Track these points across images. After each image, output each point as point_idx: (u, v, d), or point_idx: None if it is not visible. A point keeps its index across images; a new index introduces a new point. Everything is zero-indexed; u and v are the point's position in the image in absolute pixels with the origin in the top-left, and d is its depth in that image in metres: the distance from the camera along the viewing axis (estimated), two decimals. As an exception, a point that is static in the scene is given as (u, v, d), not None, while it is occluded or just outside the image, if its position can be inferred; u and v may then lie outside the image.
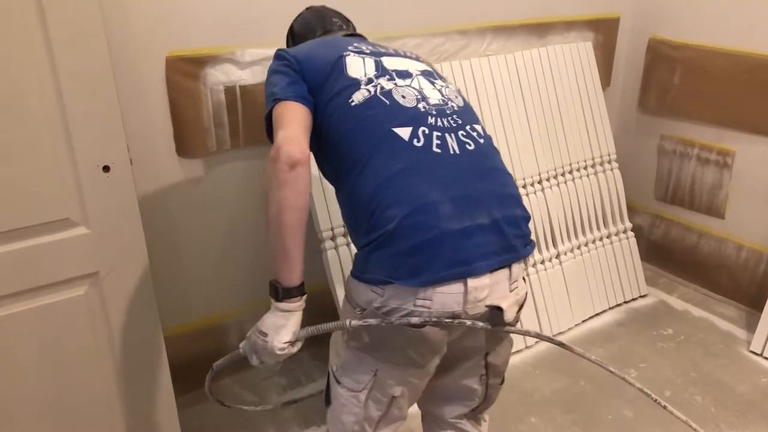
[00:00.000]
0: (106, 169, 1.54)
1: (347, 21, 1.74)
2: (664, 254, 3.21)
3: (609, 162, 2.89)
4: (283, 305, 1.26)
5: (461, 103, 1.41)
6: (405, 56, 1.49)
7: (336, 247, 2.18)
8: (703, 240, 3.02)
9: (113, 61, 1.54)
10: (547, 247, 2.68)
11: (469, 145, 1.31)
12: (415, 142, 1.26)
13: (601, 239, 2.87)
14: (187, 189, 2.16)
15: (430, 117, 1.30)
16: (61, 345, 1.61)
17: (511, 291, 1.29)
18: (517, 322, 1.34)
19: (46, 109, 1.44)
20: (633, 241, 2.97)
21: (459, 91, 1.48)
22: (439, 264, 1.20)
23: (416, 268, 1.20)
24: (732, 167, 2.83)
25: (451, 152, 1.28)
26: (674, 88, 2.97)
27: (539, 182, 2.66)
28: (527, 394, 2.32)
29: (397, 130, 1.27)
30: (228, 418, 2.23)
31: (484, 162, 1.33)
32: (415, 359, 1.30)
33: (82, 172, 1.52)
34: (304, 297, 1.29)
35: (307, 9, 1.77)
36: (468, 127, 1.34)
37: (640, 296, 2.98)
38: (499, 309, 1.26)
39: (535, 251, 2.63)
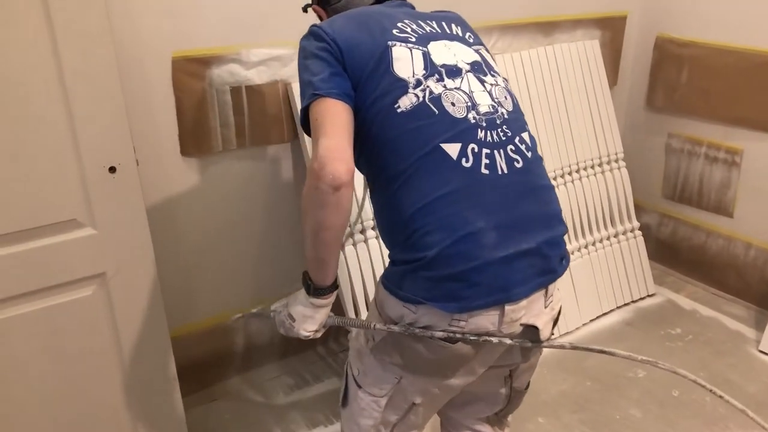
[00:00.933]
0: (112, 170, 1.54)
1: None
2: (671, 253, 3.19)
3: (616, 161, 2.88)
4: (314, 300, 1.27)
5: (510, 107, 1.30)
6: (452, 36, 1.35)
7: (343, 247, 2.18)
8: (711, 239, 3.01)
9: (119, 61, 1.54)
10: (554, 247, 2.67)
11: (518, 162, 1.24)
12: (463, 162, 1.18)
13: (608, 238, 2.85)
14: (193, 189, 2.16)
15: (480, 130, 1.21)
16: (67, 345, 1.62)
17: (546, 307, 1.26)
18: (551, 336, 1.32)
19: (51, 110, 1.45)
20: (640, 240, 2.95)
21: (507, 85, 1.36)
22: (477, 293, 1.16)
23: (453, 295, 1.17)
24: (740, 165, 2.81)
25: (500, 172, 1.21)
26: (682, 86, 2.95)
27: (546, 181, 2.64)
28: (534, 393, 2.31)
29: (445, 146, 1.18)
30: (235, 418, 2.23)
31: (531, 180, 1.26)
32: (442, 371, 1.29)
33: (89, 173, 1.52)
34: (336, 292, 1.29)
35: None
36: (517, 140, 1.26)
37: (648, 295, 2.97)
38: (535, 327, 1.24)
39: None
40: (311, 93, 1.20)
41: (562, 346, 1.31)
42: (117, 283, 1.64)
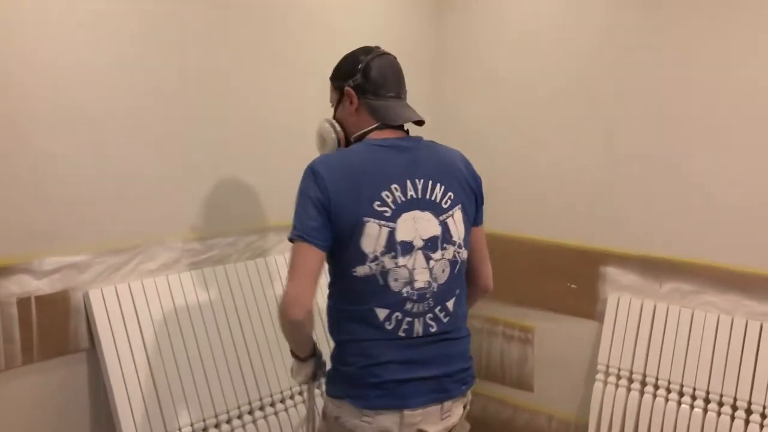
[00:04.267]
0: None
1: (403, 85, 1.75)
2: (481, 429, 3.27)
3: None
4: (294, 361, 1.78)
5: (444, 279, 1.64)
6: (427, 204, 1.62)
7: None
8: (518, 413, 3.15)
9: None
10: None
11: (432, 327, 1.63)
12: (386, 324, 1.59)
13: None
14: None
15: (408, 302, 1.59)
16: None
17: (442, 419, 1.63)
18: None
19: None
20: (453, 420, 3.00)
21: (455, 251, 1.66)
22: (379, 396, 1.57)
23: (362, 395, 1.58)
24: (533, 342, 3.04)
25: (414, 335, 1.61)
26: (477, 270, 3.18)
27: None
28: None
29: (377, 309, 1.58)
30: None
31: (440, 338, 1.64)
32: None
33: None
34: (311, 360, 1.77)
35: (380, 56, 1.70)
36: (438, 309, 1.63)
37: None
38: None
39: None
40: (301, 234, 1.54)
41: None
42: None
